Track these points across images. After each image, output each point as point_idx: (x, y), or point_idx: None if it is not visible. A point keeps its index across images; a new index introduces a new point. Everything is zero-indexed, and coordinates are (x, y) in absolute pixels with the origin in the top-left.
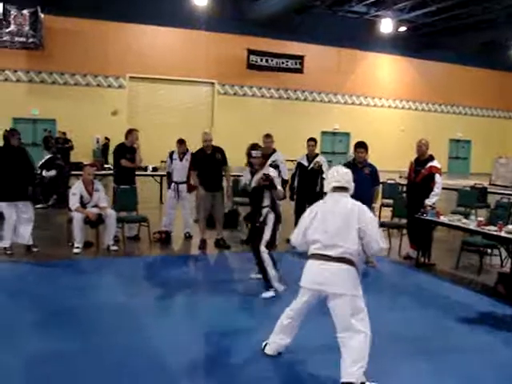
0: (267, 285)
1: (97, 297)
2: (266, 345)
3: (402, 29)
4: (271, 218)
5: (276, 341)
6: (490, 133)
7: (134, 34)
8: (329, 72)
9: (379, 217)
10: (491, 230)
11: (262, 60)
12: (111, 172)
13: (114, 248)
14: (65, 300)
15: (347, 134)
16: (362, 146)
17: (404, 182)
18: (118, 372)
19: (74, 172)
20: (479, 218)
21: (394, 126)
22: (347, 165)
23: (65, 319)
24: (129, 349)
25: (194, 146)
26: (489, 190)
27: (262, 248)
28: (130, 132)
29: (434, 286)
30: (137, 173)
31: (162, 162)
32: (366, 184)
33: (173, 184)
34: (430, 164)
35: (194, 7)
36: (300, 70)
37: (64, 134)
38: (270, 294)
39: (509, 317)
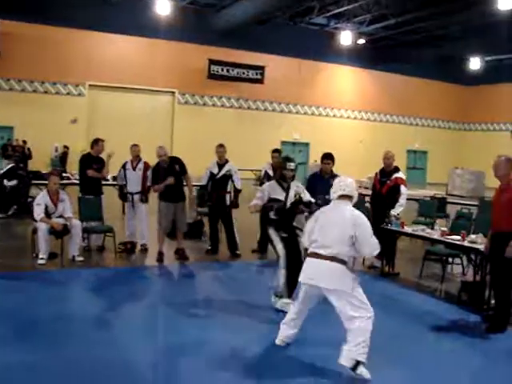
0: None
1: (65, 308)
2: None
3: (361, 41)
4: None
5: (284, 333)
6: (445, 144)
7: (94, 41)
8: (289, 83)
9: None
10: (455, 239)
11: (222, 70)
12: (71, 181)
13: (80, 259)
14: (32, 312)
15: (307, 144)
16: (328, 157)
17: (365, 192)
18: (94, 381)
19: (33, 181)
20: (442, 228)
21: (353, 137)
22: (314, 175)
23: (34, 331)
24: (101, 360)
25: (153, 155)
26: (447, 200)
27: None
28: (97, 142)
29: (400, 295)
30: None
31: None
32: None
33: (128, 195)
34: (395, 175)
35: (155, 16)
36: (261, 81)
37: (24, 142)
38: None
39: (472, 323)
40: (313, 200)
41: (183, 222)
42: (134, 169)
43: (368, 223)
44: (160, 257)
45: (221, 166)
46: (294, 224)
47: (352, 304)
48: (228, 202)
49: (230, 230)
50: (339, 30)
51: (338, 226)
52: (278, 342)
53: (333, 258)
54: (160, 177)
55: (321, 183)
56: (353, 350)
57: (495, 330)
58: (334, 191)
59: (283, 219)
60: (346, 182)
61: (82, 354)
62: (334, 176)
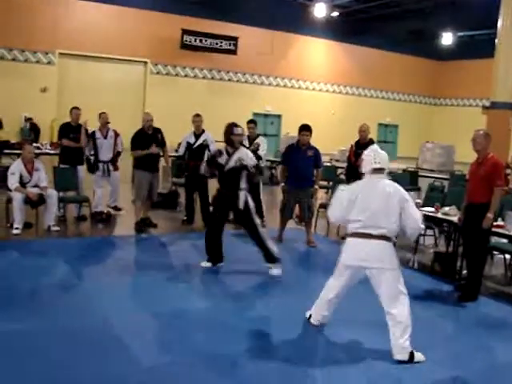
0: (269, 261)
1: (42, 277)
2: (310, 316)
3: (335, 14)
4: (250, 200)
5: (320, 314)
6: (416, 118)
7: (64, 8)
8: (262, 54)
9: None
10: (429, 211)
11: (196, 40)
12: (44, 151)
13: (55, 228)
14: (12, 281)
15: (279, 116)
16: (306, 128)
17: (340, 164)
18: (78, 349)
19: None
20: (417, 200)
21: (325, 110)
22: (291, 146)
23: (16, 300)
24: (81, 328)
25: (124, 125)
26: (419, 173)
27: (261, 230)
28: (71, 111)
29: None
30: None
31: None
32: (308, 165)
33: (101, 164)
34: (370, 147)
35: None
36: (234, 52)
37: None
38: (278, 270)
39: (445, 292)
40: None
41: (156, 192)
42: (105, 137)
43: (410, 197)
44: (139, 226)
45: (197, 136)
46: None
47: (399, 280)
48: None
49: (205, 200)
50: (313, 2)
51: (382, 200)
52: (314, 322)
53: (383, 237)
54: (143, 143)
55: (297, 154)
56: (403, 343)
57: (467, 298)
58: (366, 165)
59: (224, 182)
60: (379, 154)
61: (64, 324)
62: (311, 148)
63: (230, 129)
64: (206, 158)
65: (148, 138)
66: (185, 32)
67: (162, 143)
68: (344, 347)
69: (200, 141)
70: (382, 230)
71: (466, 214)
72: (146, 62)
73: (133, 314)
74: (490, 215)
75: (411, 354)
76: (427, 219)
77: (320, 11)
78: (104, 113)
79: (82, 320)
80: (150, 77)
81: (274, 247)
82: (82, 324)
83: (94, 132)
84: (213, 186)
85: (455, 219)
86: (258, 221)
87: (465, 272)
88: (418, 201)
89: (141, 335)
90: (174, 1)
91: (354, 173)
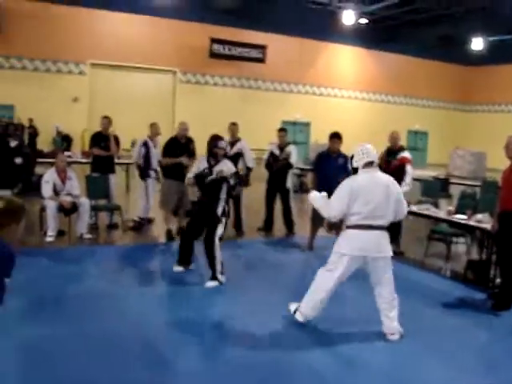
0: (212, 274)
1: (76, 284)
2: (295, 311)
3: (363, 21)
4: (226, 210)
5: (310, 312)
6: (446, 124)
7: (96, 19)
8: (290, 62)
9: None
10: (461, 218)
11: (224, 49)
12: (75, 160)
13: (88, 236)
14: (47, 287)
15: (308, 124)
16: (336, 136)
17: None
18: (111, 354)
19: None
20: (449, 208)
21: (353, 117)
22: (321, 154)
23: (50, 306)
24: (115, 334)
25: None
26: (450, 180)
27: (217, 241)
28: (101, 120)
29: (406, 274)
30: None
31: (123, 149)
32: (339, 173)
33: (151, 172)
34: (401, 155)
35: None
36: (262, 60)
37: (31, 120)
38: (214, 283)
39: (479, 301)
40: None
41: (188, 200)
42: (155, 146)
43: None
44: (170, 235)
45: (232, 144)
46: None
47: (391, 266)
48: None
49: (238, 207)
50: (341, 10)
51: (381, 192)
52: (300, 318)
53: (381, 227)
54: (174, 151)
55: (328, 162)
56: (397, 324)
57: (501, 307)
58: (358, 159)
59: (205, 192)
60: (367, 148)
61: (96, 329)
62: (341, 155)
63: (214, 142)
64: (240, 166)
65: (180, 146)
66: (213, 41)
67: (192, 153)
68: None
69: (235, 149)
70: (381, 220)
71: (499, 221)
72: (175, 71)
73: (165, 321)
74: None
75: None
76: (460, 226)
77: (348, 18)
78: (155, 123)
79: (114, 326)
80: (180, 86)
81: (219, 266)
82: (114, 330)
83: (146, 141)
84: (249, 193)
85: (488, 227)
86: (218, 234)
87: (498, 280)
88: (450, 208)
89: (174, 342)
90: (203, 10)
91: None
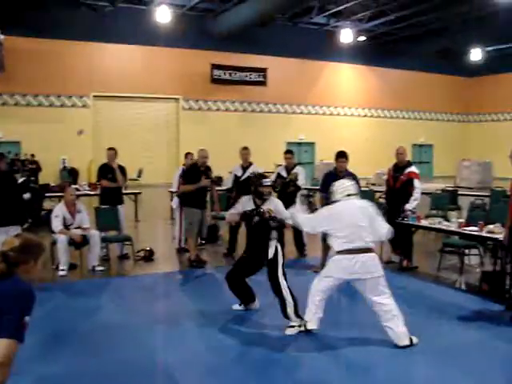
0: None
1: (92, 318)
2: (305, 325)
3: (362, 38)
4: (279, 249)
5: (317, 316)
6: (450, 136)
7: (97, 52)
8: (292, 83)
9: None
10: (473, 230)
11: (225, 74)
12: (82, 192)
13: (100, 268)
14: (61, 322)
15: (312, 144)
16: (343, 155)
17: (376, 188)
18: None
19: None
20: (460, 220)
21: (357, 134)
22: (329, 174)
23: (66, 341)
24: (136, 366)
25: (161, 162)
26: (458, 192)
27: (283, 281)
28: (107, 152)
29: (420, 288)
30: None
31: (130, 179)
32: None
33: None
34: (408, 170)
35: (156, 24)
36: (263, 83)
37: (32, 155)
38: (293, 330)
39: (496, 313)
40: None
41: (205, 228)
42: None
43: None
44: (192, 263)
45: (245, 169)
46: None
47: (383, 284)
48: None
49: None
50: (339, 29)
51: (358, 213)
52: (313, 327)
53: (369, 250)
54: (195, 178)
55: (336, 181)
56: (403, 330)
57: None
58: (341, 193)
59: (253, 232)
60: (346, 185)
61: (113, 364)
62: (349, 174)
63: (259, 180)
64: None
65: (200, 173)
66: (214, 67)
67: (211, 180)
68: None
69: (247, 173)
70: (364, 240)
71: (510, 231)
72: (177, 99)
73: (182, 354)
74: None
75: (410, 339)
76: (472, 238)
77: (346, 37)
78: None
79: (131, 359)
80: (183, 113)
81: (291, 310)
82: (131, 364)
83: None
84: None
85: (500, 237)
86: (281, 273)
87: None
88: (461, 220)
89: (192, 372)
90: (202, 37)
91: (393, 195)
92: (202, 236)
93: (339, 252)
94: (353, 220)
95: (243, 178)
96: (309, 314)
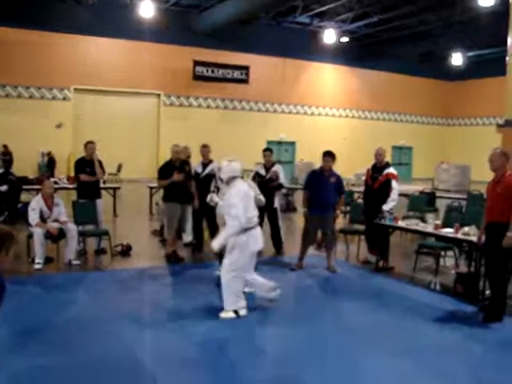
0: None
1: (65, 311)
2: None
3: (345, 39)
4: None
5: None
6: (430, 139)
7: (78, 45)
8: (274, 82)
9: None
10: (448, 232)
11: (207, 71)
12: (60, 186)
13: (76, 262)
14: (36, 315)
15: (293, 143)
16: (329, 155)
17: (356, 188)
18: (102, 381)
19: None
20: (436, 222)
21: (338, 135)
22: (314, 172)
23: (41, 335)
24: (111, 360)
25: (142, 157)
26: (436, 194)
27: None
28: (85, 145)
29: (396, 288)
30: None
31: (109, 174)
32: (331, 191)
33: None
34: (386, 171)
35: (139, 19)
36: (245, 81)
37: (5, 146)
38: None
39: (470, 314)
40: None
41: (185, 223)
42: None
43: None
44: (169, 258)
45: (205, 166)
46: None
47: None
48: None
49: (214, 227)
50: (322, 29)
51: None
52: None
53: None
54: (169, 173)
55: (320, 181)
56: None
57: (492, 319)
58: (226, 173)
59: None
60: (230, 166)
61: (87, 357)
62: (333, 174)
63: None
64: (212, 188)
65: (173, 169)
66: (196, 63)
67: (189, 175)
68: None
69: (207, 170)
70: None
71: (486, 233)
72: (159, 94)
73: (155, 347)
74: (510, 234)
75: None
76: (447, 240)
77: (329, 37)
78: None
79: (105, 353)
80: (164, 108)
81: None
82: (105, 357)
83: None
84: None
85: (475, 239)
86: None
87: (488, 292)
88: (437, 222)
89: (167, 365)
90: (185, 33)
91: (371, 196)
92: (183, 231)
93: (251, 228)
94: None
95: (203, 174)
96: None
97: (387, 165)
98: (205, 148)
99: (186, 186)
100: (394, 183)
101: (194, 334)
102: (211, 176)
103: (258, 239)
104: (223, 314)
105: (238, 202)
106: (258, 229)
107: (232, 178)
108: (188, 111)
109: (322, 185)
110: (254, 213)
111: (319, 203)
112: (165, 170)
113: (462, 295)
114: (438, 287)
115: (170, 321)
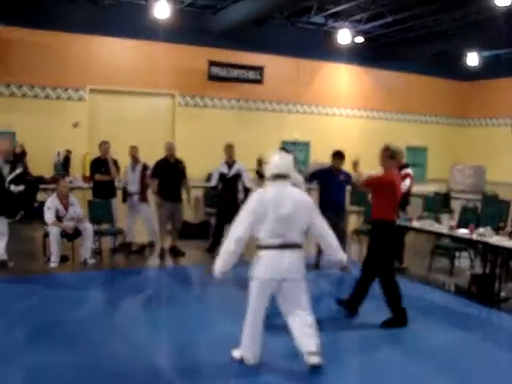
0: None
1: (83, 310)
2: (241, 358)
3: (359, 39)
4: None
5: (255, 350)
6: (445, 140)
7: (94, 46)
8: (288, 82)
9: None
10: (463, 233)
11: (222, 71)
12: (75, 185)
13: (91, 261)
14: (50, 314)
15: (307, 144)
16: (339, 155)
17: None
18: (117, 380)
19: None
20: (451, 223)
21: (352, 135)
22: (323, 170)
23: (54, 333)
24: (122, 358)
25: (156, 157)
26: (451, 195)
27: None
28: (100, 145)
29: (410, 289)
30: None
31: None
32: (340, 189)
33: (128, 196)
34: (404, 171)
35: (154, 19)
36: (260, 81)
37: (21, 145)
38: None
39: (484, 315)
40: None
41: (179, 221)
42: (132, 169)
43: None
44: (163, 253)
45: (230, 166)
46: None
47: (304, 289)
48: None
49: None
50: (337, 29)
51: (291, 206)
52: (251, 360)
53: (295, 246)
54: (162, 170)
55: (330, 179)
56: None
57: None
58: (269, 169)
59: None
60: (282, 159)
61: (102, 355)
62: (343, 172)
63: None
64: (239, 187)
65: (170, 166)
66: (212, 64)
67: (183, 174)
68: None
69: (233, 171)
70: (291, 236)
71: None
72: (173, 95)
73: (170, 346)
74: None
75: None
76: (462, 241)
77: (344, 37)
78: (133, 147)
79: (119, 351)
80: (178, 109)
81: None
82: (120, 355)
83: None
84: None
85: (490, 240)
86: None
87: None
88: (452, 223)
89: (175, 363)
90: (201, 33)
91: None
92: (177, 228)
93: (263, 247)
94: (280, 213)
95: (230, 175)
96: (247, 345)
97: (405, 165)
98: (230, 148)
99: (178, 184)
100: (406, 180)
101: (206, 335)
102: (238, 176)
103: (268, 264)
104: (235, 351)
105: (242, 219)
106: (278, 252)
107: (269, 178)
108: (203, 111)
109: (332, 184)
110: (277, 231)
111: (331, 202)
112: (160, 168)
113: (476, 296)
114: (452, 288)
115: (184, 320)
